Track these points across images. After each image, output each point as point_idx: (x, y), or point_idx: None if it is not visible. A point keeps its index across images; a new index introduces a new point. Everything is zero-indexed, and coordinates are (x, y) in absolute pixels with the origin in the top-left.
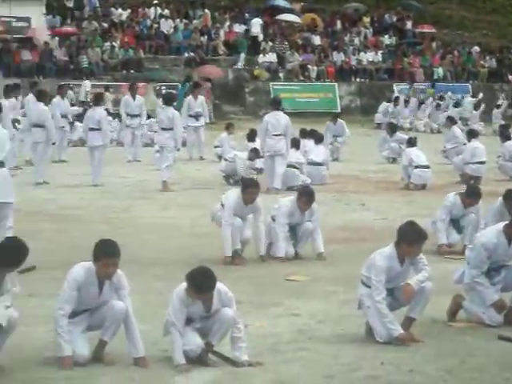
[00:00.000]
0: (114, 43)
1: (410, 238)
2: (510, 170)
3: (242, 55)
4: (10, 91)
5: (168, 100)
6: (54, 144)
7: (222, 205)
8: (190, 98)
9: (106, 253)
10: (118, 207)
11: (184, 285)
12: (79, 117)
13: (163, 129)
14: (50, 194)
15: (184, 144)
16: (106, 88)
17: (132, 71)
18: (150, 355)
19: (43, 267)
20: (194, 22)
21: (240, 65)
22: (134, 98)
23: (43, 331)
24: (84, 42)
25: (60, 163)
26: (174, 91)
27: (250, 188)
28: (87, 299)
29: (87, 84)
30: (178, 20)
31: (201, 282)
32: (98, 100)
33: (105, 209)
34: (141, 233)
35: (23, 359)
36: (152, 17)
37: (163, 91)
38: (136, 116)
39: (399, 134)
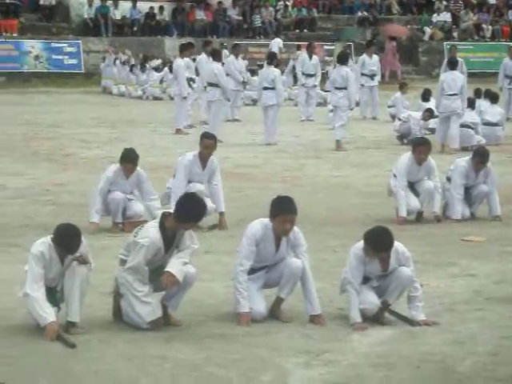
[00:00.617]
0: (287, 2)
1: None
2: None
3: (428, 30)
4: (184, 50)
5: (341, 59)
6: (229, 101)
7: (394, 175)
8: (364, 56)
9: (283, 209)
10: (291, 166)
11: (361, 243)
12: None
13: (337, 88)
14: (225, 153)
15: (358, 103)
16: (298, 47)
17: (305, 30)
18: (326, 313)
19: None
20: None
21: (425, 36)
22: (310, 58)
23: (220, 287)
24: (257, 1)
25: (233, 122)
26: (347, 50)
27: (420, 146)
28: (264, 255)
29: (279, 42)
30: None
31: (379, 240)
32: (271, 59)
33: (278, 167)
34: (315, 191)
35: (201, 315)
36: None
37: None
38: (311, 76)
39: None
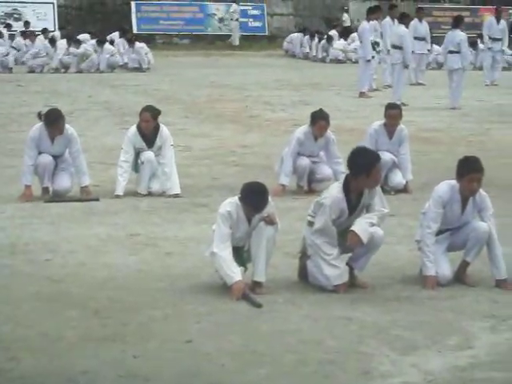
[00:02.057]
0: None
1: None
2: None
3: None
4: (372, 13)
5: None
6: (406, 67)
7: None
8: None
9: (471, 168)
10: (476, 130)
11: None
12: None
13: None
14: (409, 117)
15: None
16: None
17: None
18: None
19: None
20: None
21: None
22: (498, 22)
23: (405, 250)
24: None
25: (418, 86)
26: None
27: None
28: (450, 218)
29: None
30: None
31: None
32: (457, 22)
33: (463, 132)
34: (500, 156)
35: (386, 277)
36: None
37: None
38: (498, 40)
39: None
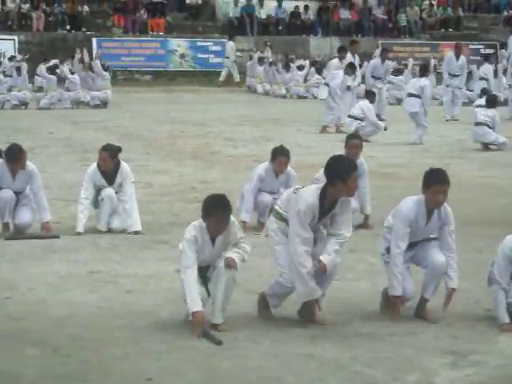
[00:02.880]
0: (432, 1)
1: None
2: None
3: None
4: (338, 52)
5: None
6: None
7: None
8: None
9: (437, 180)
10: (436, 166)
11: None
12: None
13: None
14: (370, 152)
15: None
16: None
17: (450, 30)
18: (472, 313)
19: None
20: None
21: None
22: (457, 58)
23: (366, 286)
24: (403, 1)
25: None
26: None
27: None
28: (414, 229)
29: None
30: None
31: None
32: (424, 71)
33: (424, 167)
34: (460, 191)
35: (347, 313)
36: None
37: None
38: (457, 76)
39: None
